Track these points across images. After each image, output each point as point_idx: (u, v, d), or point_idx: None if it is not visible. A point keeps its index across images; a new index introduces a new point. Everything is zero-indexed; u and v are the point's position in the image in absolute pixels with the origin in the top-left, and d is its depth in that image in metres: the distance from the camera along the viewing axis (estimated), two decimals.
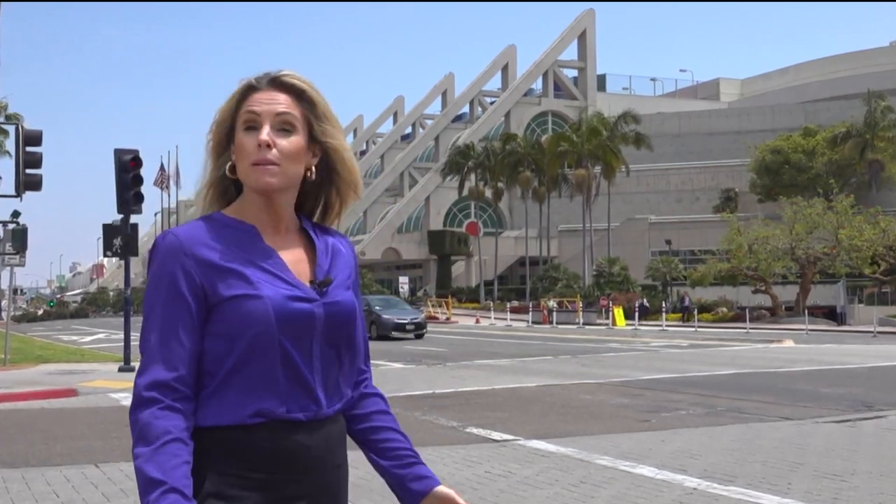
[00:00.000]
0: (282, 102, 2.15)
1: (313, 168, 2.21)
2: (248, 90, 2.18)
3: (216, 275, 2.08)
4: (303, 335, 2.11)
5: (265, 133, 2.11)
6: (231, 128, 2.18)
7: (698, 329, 45.58)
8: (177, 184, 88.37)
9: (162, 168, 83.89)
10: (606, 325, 50.47)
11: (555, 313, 53.99)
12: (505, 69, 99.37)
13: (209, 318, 2.08)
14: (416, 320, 38.07)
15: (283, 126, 2.14)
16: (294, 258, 2.19)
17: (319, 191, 2.28)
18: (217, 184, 2.24)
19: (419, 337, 37.42)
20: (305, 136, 2.17)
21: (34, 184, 19.89)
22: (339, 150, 2.23)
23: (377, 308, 37.94)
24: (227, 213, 2.20)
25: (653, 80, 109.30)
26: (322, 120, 2.20)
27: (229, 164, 2.19)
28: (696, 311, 50.24)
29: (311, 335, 2.12)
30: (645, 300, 56.70)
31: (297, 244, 2.23)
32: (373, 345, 23.77)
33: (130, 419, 2.03)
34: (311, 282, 2.17)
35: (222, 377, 2.07)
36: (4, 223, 23.77)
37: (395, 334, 36.73)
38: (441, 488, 2.24)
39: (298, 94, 2.18)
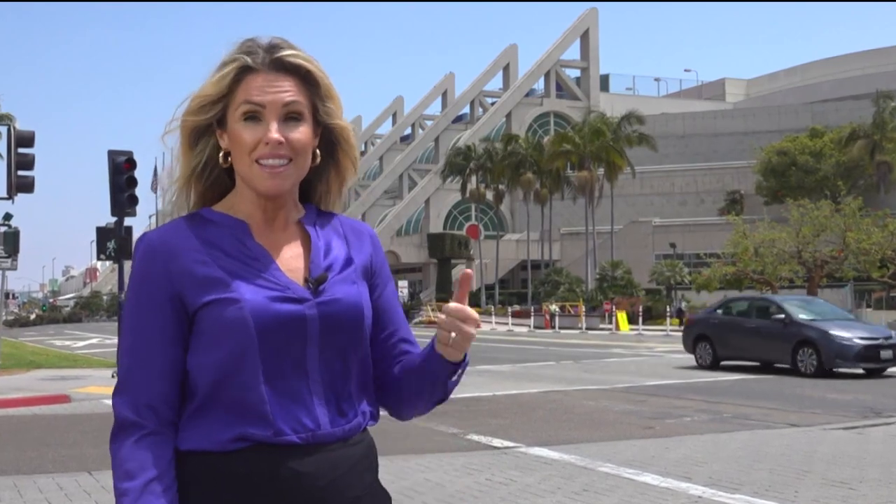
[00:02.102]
0: (288, 90, 1.91)
1: (317, 151, 2.00)
2: (243, 70, 1.92)
3: (192, 280, 1.88)
4: (292, 342, 1.88)
5: (275, 130, 1.88)
6: (219, 115, 1.95)
7: None
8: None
9: (156, 172, 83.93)
10: (610, 329, 50.42)
11: (557, 318, 53.93)
12: (506, 69, 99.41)
13: (192, 329, 1.89)
14: (891, 341, 21.23)
15: (291, 115, 1.91)
16: (290, 255, 1.97)
17: (324, 175, 2.07)
18: (197, 176, 2.01)
19: (878, 372, 21.23)
20: (312, 120, 1.95)
21: (26, 186, 19.89)
22: (344, 130, 2.02)
23: (802, 315, 22.19)
24: (215, 209, 2.00)
25: (657, 80, 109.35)
26: (325, 100, 1.97)
27: (222, 152, 1.97)
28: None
29: (304, 341, 1.89)
30: (683, 303, 56.28)
31: (295, 238, 2.00)
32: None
33: (110, 447, 1.90)
34: (306, 280, 1.94)
35: (204, 395, 1.87)
36: None
37: (862, 367, 20.83)
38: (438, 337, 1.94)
39: (303, 76, 1.94)
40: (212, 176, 2.01)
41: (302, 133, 1.91)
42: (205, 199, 2.03)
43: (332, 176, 2.08)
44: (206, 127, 1.97)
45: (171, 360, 1.89)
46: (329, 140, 2.02)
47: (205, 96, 1.94)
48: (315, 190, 2.09)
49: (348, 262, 2.02)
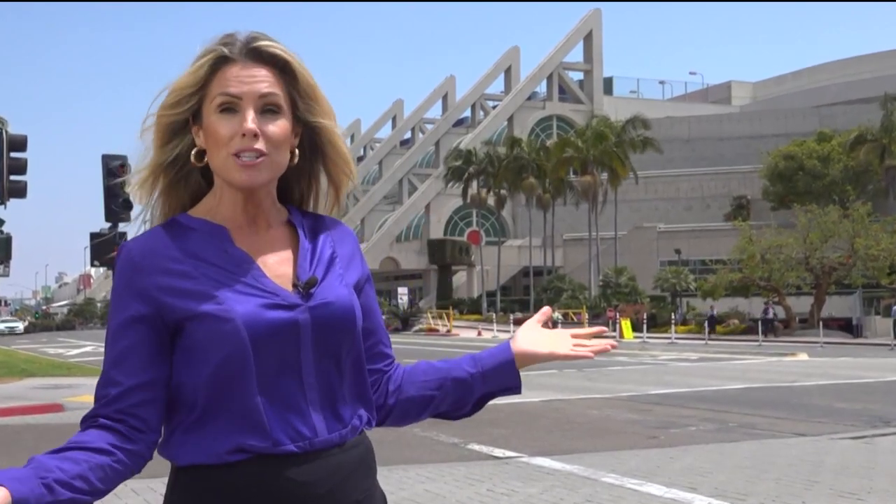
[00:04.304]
0: (265, 80, 1.88)
1: (296, 150, 1.96)
2: (219, 61, 1.90)
3: (175, 292, 1.85)
4: (286, 349, 1.86)
5: (250, 120, 1.85)
6: (195, 108, 1.92)
7: (709, 342, 45.58)
8: None
9: None
10: (613, 337, 50.50)
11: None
12: (508, 71, 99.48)
13: (176, 342, 1.87)
14: None
15: (268, 107, 1.88)
16: (275, 259, 1.94)
17: (304, 175, 2.04)
18: (166, 168, 1.97)
19: None
20: (290, 115, 1.92)
21: (19, 191, 19.88)
22: (327, 130, 1.98)
23: None
24: (193, 214, 1.96)
25: (661, 82, 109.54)
26: (306, 96, 1.94)
27: (195, 150, 1.93)
28: (713, 324, 49.95)
29: (297, 347, 1.87)
30: (714, 310, 55.53)
31: (279, 242, 1.97)
32: None
33: None
34: (295, 285, 1.92)
35: (199, 410, 1.86)
36: None
37: None
38: (517, 347, 2.07)
39: (281, 67, 1.91)
40: (183, 170, 1.98)
41: (279, 126, 1.89)
42: (170, 194, 2.00)
43: (316, 178, 2.06)
44: (182, 124, 1.94)
45: (151, 375, 1.86)
46: (312, 140, 2.00)
47: (180, 88, 1.91)
48: (295, 191, 2.07)
49: (337, 263, 2.00)
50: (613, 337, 50.12)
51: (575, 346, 2.07)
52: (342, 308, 1.93)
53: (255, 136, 1.85)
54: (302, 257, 1.96)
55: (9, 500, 1.59)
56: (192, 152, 1.94)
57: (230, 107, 1.87)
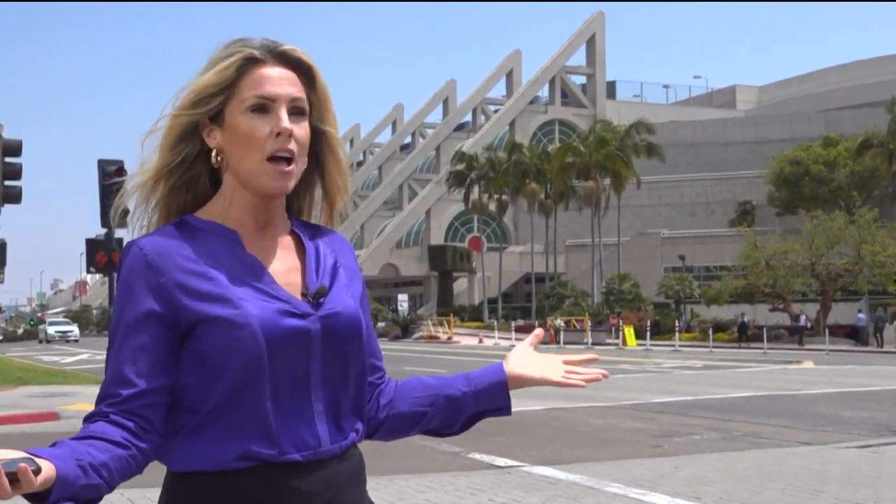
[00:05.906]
0: (295, 83, 1.92)
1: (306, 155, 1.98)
2: (247, 62, 1.92)
3: (193, 292, 1.84)
4: (297, 357, 1.86)
5: (286, 120, 1.88)
6: (219, 107, 1.92)
7: (713, 349, 45.54)
8: None
9: None
10: (616, 344, 50.48)
11: (562, 333, 53.94)
12: (509, 75, 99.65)
13: (186, 344, 1.85)
14: None
15: (296, 110, 1.91)
16: (284, 268, 1.95)
17: (305, 184, 2.03)
18: (169, 172, 1.97)
19: None
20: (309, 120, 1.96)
21: (14, 196, 19.92)
22: (333, 139, 2.02)
23: None
24: (201, 216, 1.96)
25: (665, 86, 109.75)
26: (320, 104, 1.99)
27: (214, 151, 1.94)
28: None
29: (308, 356, 1.87)
30: (745, 317, 55.03)
31: (286, 250, 1.98)
32: None
33: None
34: (304, 294, 1.92)
35: (205, 414, 1.84)
36: None
37: None
38: (510, 370, 2.09)
39: (304, 72, 1.96)
40: (186, 174, 1.97)
41: (304, 129, 1.92)
42: (171, 198, 2.00)
43: (317, 187, 2.07)
44: (193, 126, 1.94)
45: (165, 380, 1.85)
46: (314, 148, 2.00)
47: (205, 87, 1.91)
48: (294, 202, 2.07)
49: (341, 273, 2.01)
50: (616, 345, 50.13)
51: (567, 373, 2.09)
52: (350, 318, 1.94)
53: (290, 135, 1.88)
54: (309, 267, 1.98)
55: (55, 475, 1.62)
56: (214, 154, 1.94)
57: (262, 107, 1.89)
